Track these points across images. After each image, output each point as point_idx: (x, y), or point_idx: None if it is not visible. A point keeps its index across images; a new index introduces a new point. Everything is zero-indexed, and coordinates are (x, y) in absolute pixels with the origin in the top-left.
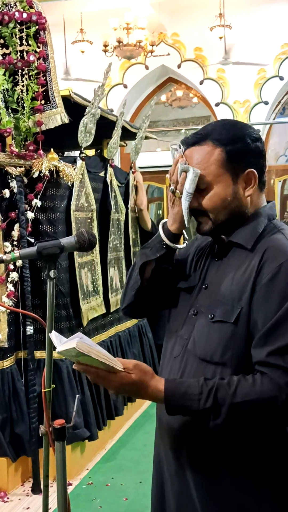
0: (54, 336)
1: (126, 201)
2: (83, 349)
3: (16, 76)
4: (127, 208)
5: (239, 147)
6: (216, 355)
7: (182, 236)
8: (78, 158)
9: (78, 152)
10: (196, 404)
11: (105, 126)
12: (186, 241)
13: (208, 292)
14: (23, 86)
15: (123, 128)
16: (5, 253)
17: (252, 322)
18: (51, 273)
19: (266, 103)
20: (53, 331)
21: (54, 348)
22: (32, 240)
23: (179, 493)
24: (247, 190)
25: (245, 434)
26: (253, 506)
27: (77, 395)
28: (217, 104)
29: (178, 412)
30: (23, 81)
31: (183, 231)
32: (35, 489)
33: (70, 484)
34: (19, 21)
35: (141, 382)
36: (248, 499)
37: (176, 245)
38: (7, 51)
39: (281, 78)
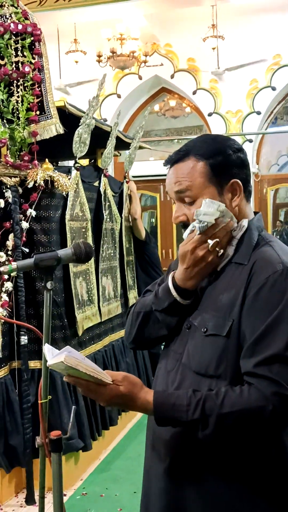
0: (47, 349)
1: (120, 210)
2: (71, 363)
3: (11, 87)
4: (121, 217)
5: (220, 159)
6: (211, 368)
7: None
8: (73, 168)
9: (73, 162)
10: (185, 415)
11: (99, 136)
12: None
13: (200, 306)
14: (18, 97)
15: (117, 137)
16: (2, 264)
17: (241, 334)
18: (48, 285)
19: (258, 113)
20: (47, 344)
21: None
22: (27, 250)
23: (166, 509)
24: (233, 200)
25: (237, 445)
26: None
27: (73, 407)
28: (209, 114)
29: (167, 423)
30: (18, 92)
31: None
32: (29, 500)
33: (65, 495)
34: (14, 32)
35: (130, 394)
36: (246, 510)
37: (187, 301)
38: (2, 62)
39: (273, 89)
